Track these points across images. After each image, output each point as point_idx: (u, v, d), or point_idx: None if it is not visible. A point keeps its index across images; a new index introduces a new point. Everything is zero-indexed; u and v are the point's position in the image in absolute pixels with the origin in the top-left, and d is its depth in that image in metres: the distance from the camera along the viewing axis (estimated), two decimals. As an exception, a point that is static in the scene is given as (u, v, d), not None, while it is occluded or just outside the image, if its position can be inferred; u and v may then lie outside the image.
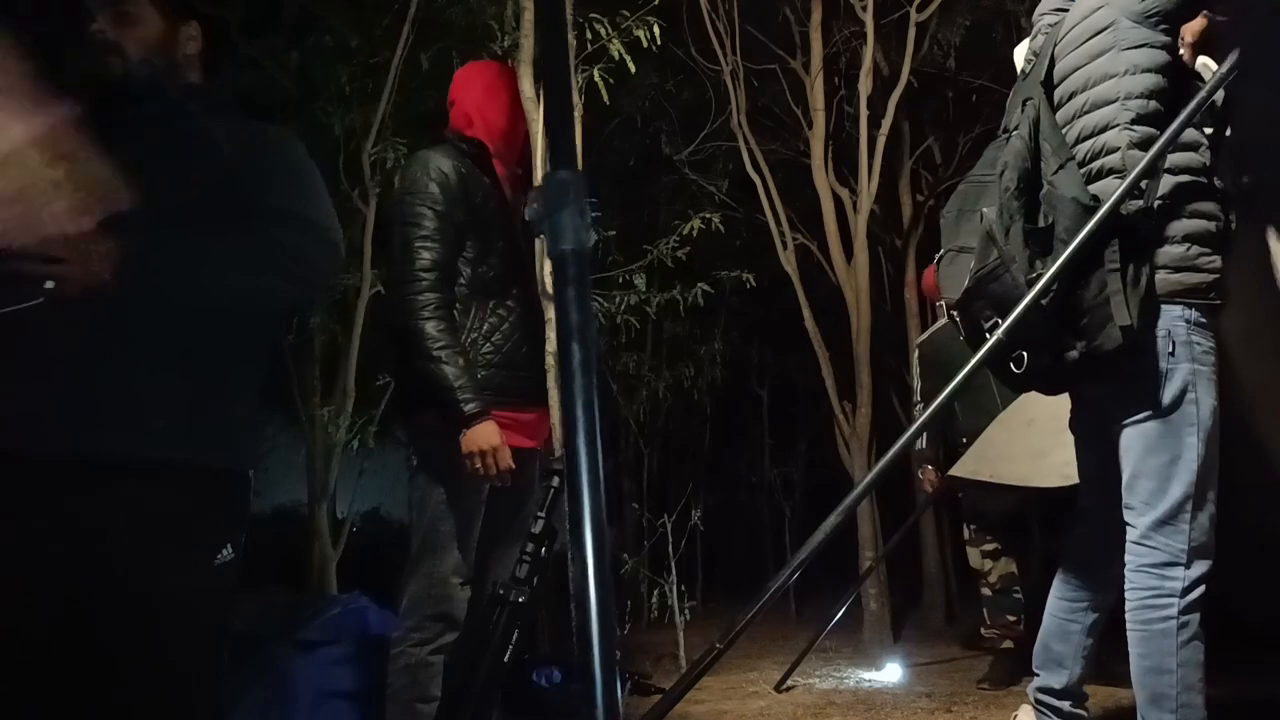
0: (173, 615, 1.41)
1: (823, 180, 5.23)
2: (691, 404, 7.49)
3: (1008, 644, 3.77)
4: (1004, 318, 1.76)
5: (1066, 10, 1.97)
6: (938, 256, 2.05)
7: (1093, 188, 1.84)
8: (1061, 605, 2.07)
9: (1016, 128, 1.88)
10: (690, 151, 5.97)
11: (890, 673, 4.02)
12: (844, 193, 5.31)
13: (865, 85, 5.09)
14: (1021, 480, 3.11)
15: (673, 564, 5.17)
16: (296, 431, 5.05)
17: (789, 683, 3.80)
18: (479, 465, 2.16)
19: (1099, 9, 1.88)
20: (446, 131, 2.48)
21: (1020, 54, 2.14)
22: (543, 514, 2.07)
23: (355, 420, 4.73)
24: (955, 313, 1.90)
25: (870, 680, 3.94)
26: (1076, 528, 2.12)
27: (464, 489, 2.25)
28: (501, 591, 2.05)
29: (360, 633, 3.31)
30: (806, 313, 5.29)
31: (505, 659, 2.13)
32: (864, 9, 5.01)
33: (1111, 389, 1.88)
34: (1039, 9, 2.08)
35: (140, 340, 1.41)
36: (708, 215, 5.39)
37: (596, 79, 4.30)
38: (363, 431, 4.77)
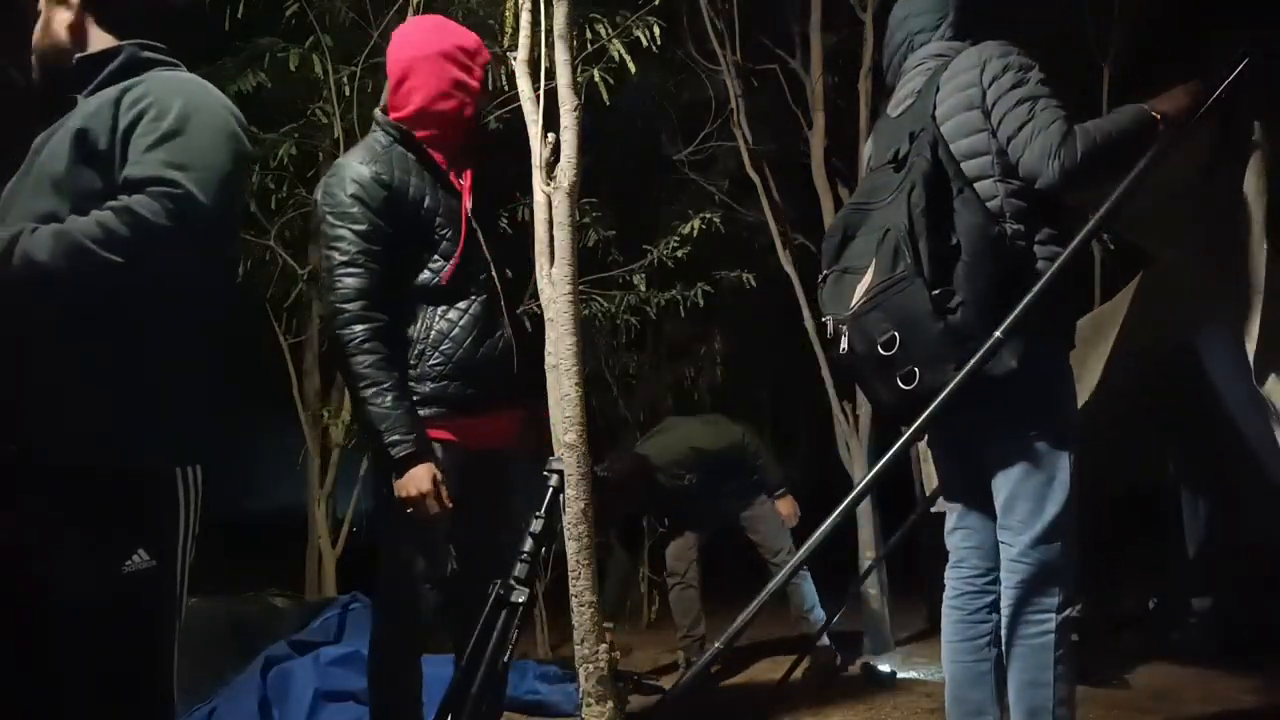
0: (72, 622, 1.36)
1: (823, 180, 5.23)
2: (691, 404, 7.48)
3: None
4: (902, 330, 1.80)
5: (946, 56, 2.03)
6: (820, 278, 2.08)
7: None
8: (965, 647, 2.05)
9: (907, 154, 1.92)
10: (690, 151, 5.97)
11: (890, 672, 4.01)
12: (844, 193, 5.30)
13: (865, 85, 5.09)
14: None
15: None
16: (296, 431, 5.05)
17: (789, 683, 3.79)
18: (411, 509, 2.05)
19: (973, 68, 1.95)
20: (377, 115, 2.26)
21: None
22: (541, 514, 2.07)
23: (355, 420, 4.73)
24: (843, 328, 1.92)
25: (870, 680, 3.94)
26: (954, 564, 2.12)
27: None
28: (502, 592, 2.04)
29: (359, 633, 3.31)
30: (806, 313, 5.28)
31: (506, 659, 2.13)
32: (864, 9, 5.01)
33: (987, 413, 1.91)
34: (919, 53, 2.11)
35: (36, 336, 1.37)
36: (708, 215, 5.38)
37: (597, 79, 4.30)
38: (362, 431, 4.76)
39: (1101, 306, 3.06)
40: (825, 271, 2.05)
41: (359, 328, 2.05)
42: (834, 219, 2.15)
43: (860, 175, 2.26)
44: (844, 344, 1.92)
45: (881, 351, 1.83)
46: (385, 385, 2.04)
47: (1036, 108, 1.85)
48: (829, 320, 1.98)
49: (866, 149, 2.24)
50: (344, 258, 2.07)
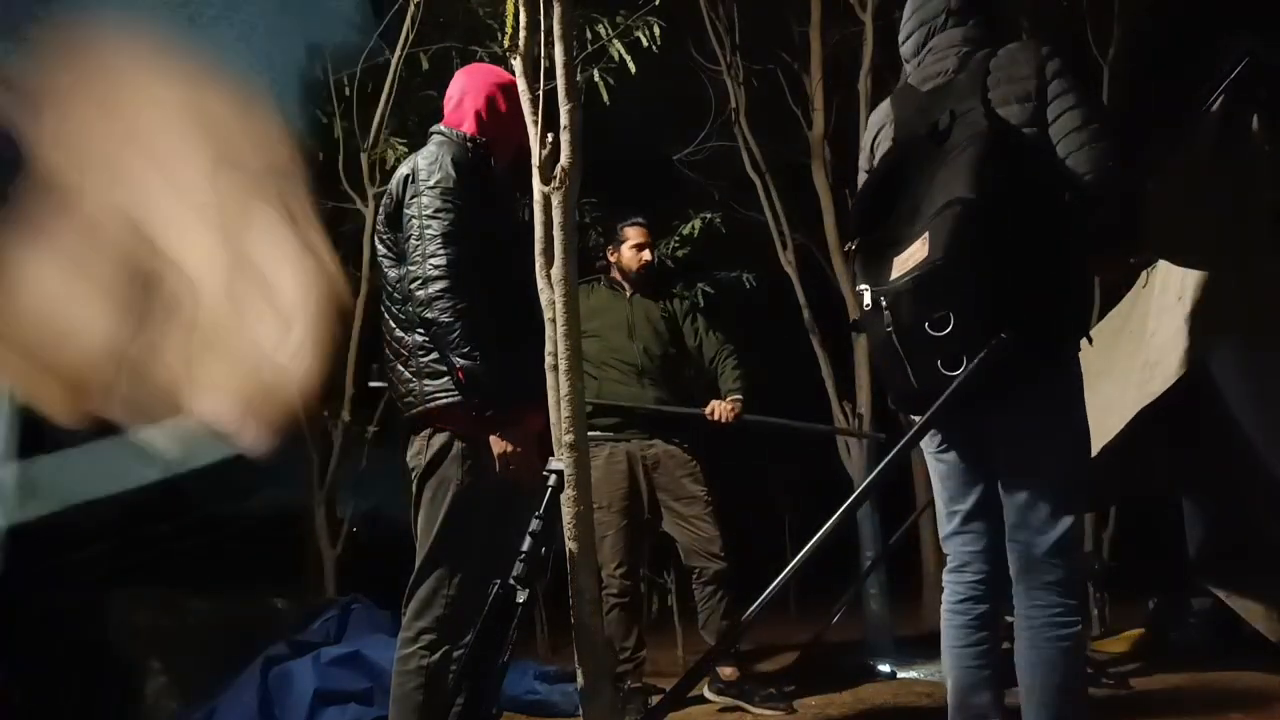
0: None
1: (822, 180, 5.23)
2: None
3: None
4: (960, 313, 1.71)
5: (977, 44, 2.01)
6: (852, 246, 1.99)
7: None
8: (967, 653, 2.03)
9: (949, 129, 1.85)
10: (690, 151, 5.97)
11: (890, 672, 4.01)
12: (844, 193, 5.30)
13: (865, 85, 5.09)
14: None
15: (672, 564, 5.17)
16: (296, 431, 5.04)
17: (789, 682, 3.79)
18: (510, 467, 2.19)
19: (1029, 61, 1.90)
20: (447, 128, 2.45)
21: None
22: (541, 514, 2.07)
23: (354, 420, 4.73)
24: (883, 301, 1.81)
25: (870, 680, 3.94)
26: (956, 568, 2.08)
27: (481, 490, 2.23)
28: (502, 592, 2.04)
29: (359, 634, 3.31)
30: (806, 313, 5.29)
31: (506, 659, 2.13)
32: (864, 9, 5.01)
33: (1002, 415, 1.89)
34: (950, 32, 2.07)
35: None
36: (708, 215, 5.38)
37: (597, 79, 4.31)
38: (362, 431, 4.76)
39: (1107, 324, 3.05)
40: (859, 239, 1.96)
41: (463, 292, 2.19)
42: (862, 188, 2.08)
43: (864, 143, 2.20)
44: (886, 318, 1.81)
45: (930, 331, 1.74)
46: (486, 350, 2.18)
47: (1094, 115, 1.84)
48: (865, 290, 1.87)
49: (877, 114, 2.17)
50: (450, 229, 2.22)
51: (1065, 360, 1.88)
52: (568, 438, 2.28)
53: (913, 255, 1.77)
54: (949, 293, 1.73)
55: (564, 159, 2.37)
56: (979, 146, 1.77)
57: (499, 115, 2.43)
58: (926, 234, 1.76)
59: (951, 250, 1.71)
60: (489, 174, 2.40)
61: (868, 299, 1.86)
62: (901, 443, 1.81)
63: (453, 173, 2.27)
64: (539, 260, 2.42)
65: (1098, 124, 1.83)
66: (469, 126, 2.42)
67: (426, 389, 2.26)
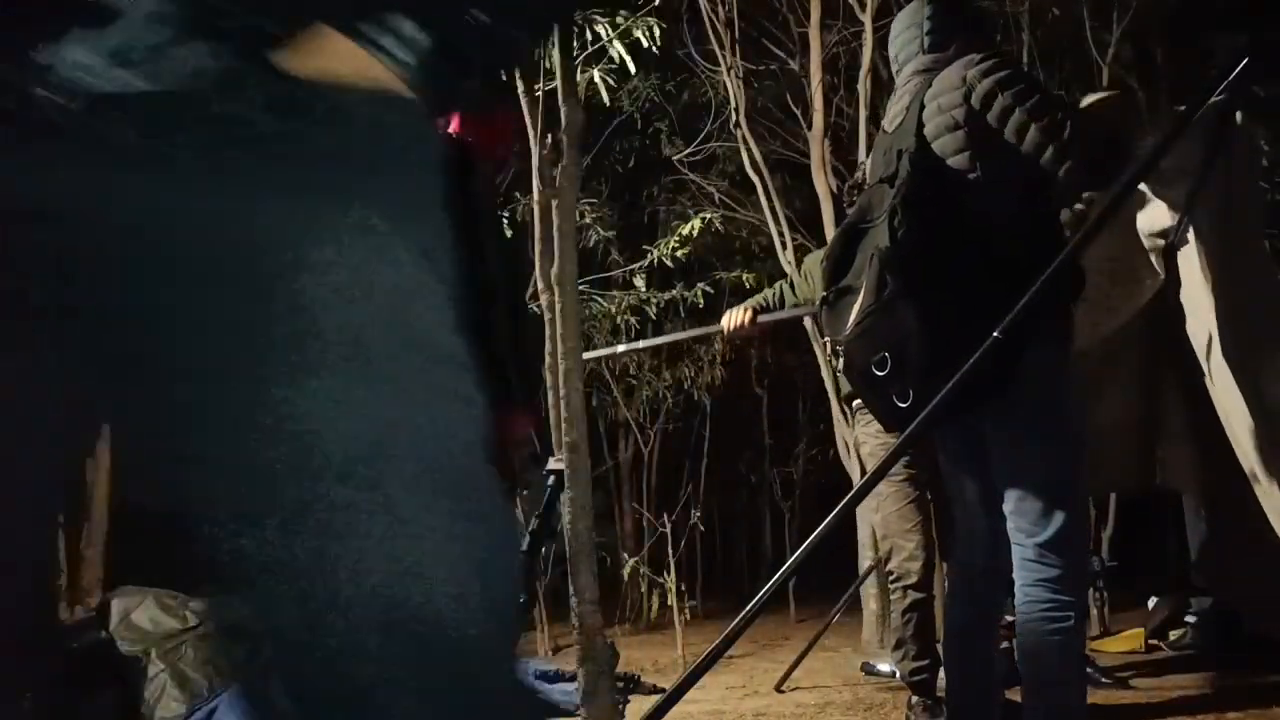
0: None
1: (822, 181, 5.23)
2: (691, 404, 7.48)
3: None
4: (894, 353, 1.84)
5: (930, 71, 2.00)
6: (820, 298, 2.09)
7: None
8: (967, 648, 2.04)
9: (895, 172, 1.91)
10: (690, 151, 5.98)
11: (890, 672, 4.02)
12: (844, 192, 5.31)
13: (865, 85, 5.09)
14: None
15: (672, 564, 5.17)
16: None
17: (789, 682, 3.80)
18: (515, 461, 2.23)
19: (955, 89, 1.91)
20: None
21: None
22: (539, 513, 2.07)
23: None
24: (840, 349, 1.96)
25: (870, 680, 3.94)
26: (954, 565, 2.12)
27: None
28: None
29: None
30: (806, 312, 5.29)
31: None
32: (864, 9, 5.01)
33: (993, 414, 1.92)
34: (905, 71, 2.09)
35: None
36: (707, 215, 5.38)
37: (596, 79, 4.31)
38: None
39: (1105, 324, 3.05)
40: (824, 292, 2.06)
41: None
42: (832, 238, 2.14)
43: (861, 184, 2.24)
44: (841, 364, 1.97)
45: (875, 371, 1.86)
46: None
47: (1040, 111, 1.84)
48: (827, 342, 1.99)
49: (869, 163, 2.24)
50: None
51: (1054, 362, 1.90)
52: (568, 438, 2.28)
53: (860, 303, 1.90)
54: (881, 336, 1.85)
55: (563, 159, 2.38)
56: (899, 192, 1.86)
57: (482, 114, 2.41)
58: (864, 282, 1.89)
59: (877, 297, 1.84)
60: (469, 172, 2.36)
61: (829, 348, 1.97)
62: (898, 443, 1.82)
63: None
64: (539, 260, 2.43)
65: (1041, 121, 1.83)
66: (451, 125, 2.42)
67: None
